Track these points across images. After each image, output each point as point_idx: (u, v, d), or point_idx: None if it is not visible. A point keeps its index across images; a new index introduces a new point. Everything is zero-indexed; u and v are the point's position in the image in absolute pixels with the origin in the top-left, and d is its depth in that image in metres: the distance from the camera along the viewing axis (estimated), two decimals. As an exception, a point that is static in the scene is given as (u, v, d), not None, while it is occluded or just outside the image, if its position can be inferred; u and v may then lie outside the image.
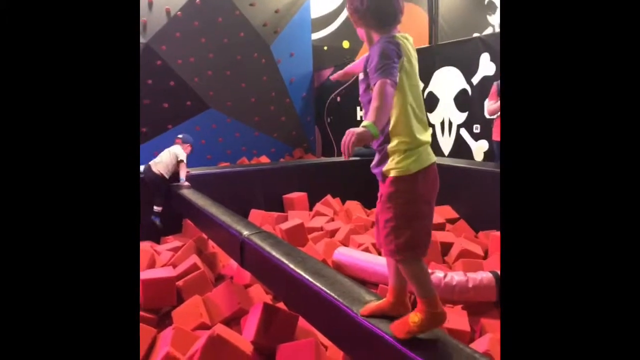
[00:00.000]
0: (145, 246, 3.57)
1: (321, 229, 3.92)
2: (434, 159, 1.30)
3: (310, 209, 4.56)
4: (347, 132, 1.10)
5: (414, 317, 1.27)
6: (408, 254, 1.25)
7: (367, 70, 1.25)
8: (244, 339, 2.21)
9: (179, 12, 6.46)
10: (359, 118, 6.85)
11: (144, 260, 3.16)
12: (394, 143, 1.25)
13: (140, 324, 2.39)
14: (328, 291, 1.65)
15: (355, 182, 4.98)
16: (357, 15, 1.32)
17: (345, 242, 3.55)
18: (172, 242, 3.79)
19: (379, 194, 1.32)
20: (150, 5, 6.25)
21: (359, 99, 1.38)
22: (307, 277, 1.79)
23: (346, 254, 3.10)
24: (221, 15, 6.76)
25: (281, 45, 7.32)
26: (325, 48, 7.91)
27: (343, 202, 4.73)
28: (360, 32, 1.36)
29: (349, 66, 1.55)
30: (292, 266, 1.90)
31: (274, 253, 2.09)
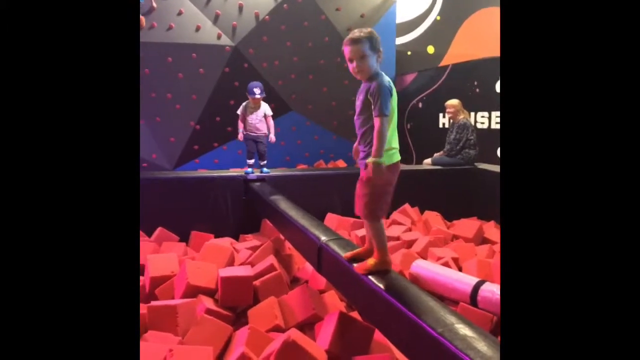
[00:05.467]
0: (225, 243, 3.67)
1: (398, 238, 3.82)
2: (399, 158, 1.93)
3: (387, 217, 4.47)
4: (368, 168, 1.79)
5: (371, 261, 1.90)
6: (374, 215, 1.88)
7: (369, 94, 1.83)
8: (318, 346, 2.20)
9: (267, 17, 6.62)
10: (441, 125, 6.65)
11: (224, 257, 3.24)
12: None
13: (218, 321, 2.45)
14: (409, 309, 1.58)
15: (435, 192, 4.81)
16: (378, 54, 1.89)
17: (423, 255, 3.43)
18: (251, 240, 3.88)
19: (359, 177, 1.94)
20: (240, 9, 6.47)
21: (356, 102, 1.99)
22: (387, 292, 1.73)
23: (425, 268, 3.00)
24: (307, 19, 6.84)
25: (365, 49, 7.28)
26: (409, 53, 7.76)
27: (421, 211, 4.60)
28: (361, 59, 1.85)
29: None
30: (372, 279, 1.85)
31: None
